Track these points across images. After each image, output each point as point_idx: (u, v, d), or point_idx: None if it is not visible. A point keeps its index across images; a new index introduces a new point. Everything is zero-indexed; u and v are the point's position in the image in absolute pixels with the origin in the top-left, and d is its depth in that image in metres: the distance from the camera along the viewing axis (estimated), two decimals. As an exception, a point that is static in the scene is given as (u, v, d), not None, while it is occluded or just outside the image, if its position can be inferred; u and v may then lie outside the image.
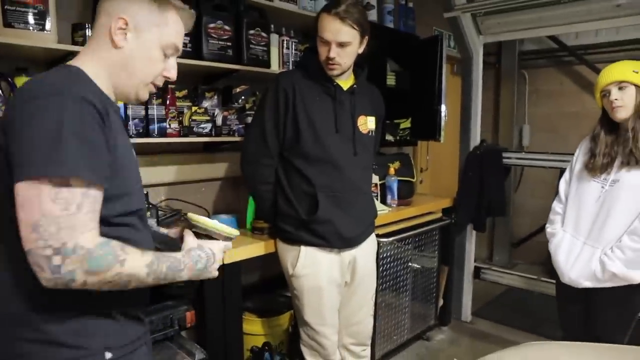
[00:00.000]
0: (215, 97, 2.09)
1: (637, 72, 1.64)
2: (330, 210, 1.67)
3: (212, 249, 1.00)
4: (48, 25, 1.52)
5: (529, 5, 2.63)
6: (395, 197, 2.57)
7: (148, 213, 1.69)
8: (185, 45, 1.87)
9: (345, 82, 1.73)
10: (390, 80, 2.91)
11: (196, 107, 1.96)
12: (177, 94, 1.92)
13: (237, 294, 1.82)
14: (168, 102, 1.86)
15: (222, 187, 2.33)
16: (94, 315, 0.87)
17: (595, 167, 1.72)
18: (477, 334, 3.01)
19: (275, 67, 2.25)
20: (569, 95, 3.98)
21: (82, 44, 1.58)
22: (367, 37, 1.65)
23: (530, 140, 4.21)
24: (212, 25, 1.95)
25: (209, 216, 2.10)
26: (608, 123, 1.73)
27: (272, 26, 2.23)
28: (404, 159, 2.80)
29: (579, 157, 1.83)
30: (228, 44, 2.01)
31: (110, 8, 0.91)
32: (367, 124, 1.78)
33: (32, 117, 0.78)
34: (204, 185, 2.25)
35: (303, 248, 1.71)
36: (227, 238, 1.06)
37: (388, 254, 2.43)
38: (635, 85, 1.64)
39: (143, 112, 1.79)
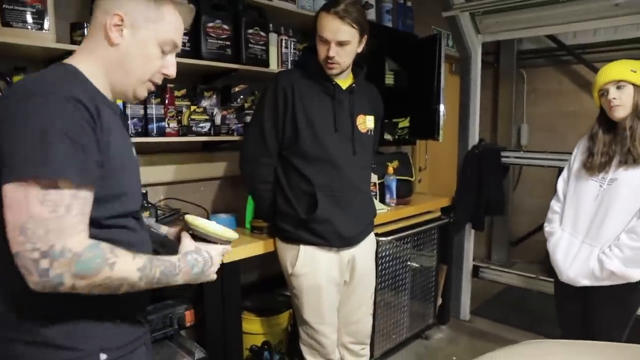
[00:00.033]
0: (214, 96, 2.09)
1: (635, 72, 1.65)
2: (329, 209, 1.67)
3: (209, 252, 0.98)
4: (46, 25, 1.52)
5: (527, 5, 2.63)
6: (394, 196, 2.58)
7: (147, 212, 1.69)
8: (184, 44, 1.87)
9: (344, 82, 1.73)
10: (389, 79, 2.91)
11: (195, 107, 1.96)
12: (176, 93, 1.92)
13: (236, 293, 1.83)
14: (167, 101, 1.86)
15: (221, 187, 2.33)
16: (88, 316, 0.86)
17: (593, 166, 1.73)
18: (475, 332, 3.02)
19: (274, 66, 2.25)
20: (567, 95, 3.98)
21: (81, 43, 1.58)
22: (366, 36, 1.65)
23: (528, 139, 4.21)
24: (210, 24, 1.95)
25: (207, 216, 2.10)
26: (606, 122, 1.74)
27: (271, 25, 2.24)
28: (402, 158, 2.80)
29: (577, 156, 1.83)
30: (227, 43, 2.01)
31: (105, 5, 0.89)
32: (366, 123, 1.78)
33: (19, 117, 0.76)
34: (202, 185, 2.25)
35: (302, 247, 1.72)
36: (226, 242, 1.03)
37: (387, 253, 2.43)
38: (633, 85, 1.64)
39: (142, 112, 1.79)
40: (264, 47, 2.16)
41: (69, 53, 0.93)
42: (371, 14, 2.79)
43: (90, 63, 0.89)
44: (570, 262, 1.75)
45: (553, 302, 1.96)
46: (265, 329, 2.18)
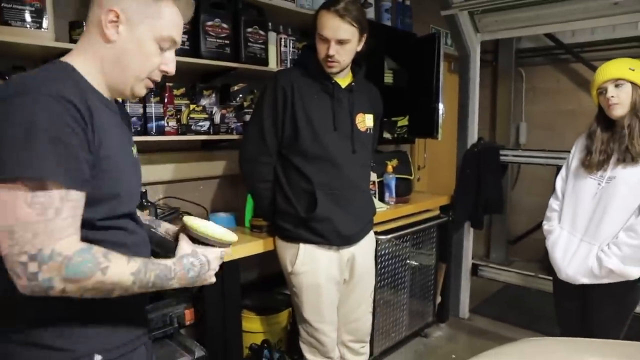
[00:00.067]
0: (213, 95, 2.09)
1: (633, 70, 1.65)
2: (329, 208, 1.67)
3: (206, 256, 0.95)
4: (45, 23, 1.52)
5: (526, 3, 2.64)
6: (393, 194, 2.58)
7: (147, 211, 1.69)
8: (183, 43, 1.87)
9: (344, 80, 1.73)
10: (388, 78, 2.91)
11: (194, 105, 1.96)
12: (175, 92, 1.92)
13: (236, 292, 1.83)
14: (166, 100, 1.86)
15: (220, 185, 2.33)
16: (82, 318, 0.85)
17: (591, 164, 1.73)
18: (474, 330, 3.03)
19: (273, 65, 2.25)
20: (566, 93, 3.99)
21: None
22: (365, 35, 1.65)
23: (527, 137, 4.22)
24: (209, 23, 1.95)
25: (207, 215, 2.10)
26: (604, 120, 1.74)
27: (270, 24, 2.23)
28: (401, 156, 2.81)
29: (576, 154, 1.84)
30: (226, 42, 2.01)
31: (102, 0, 0.87)
32: (365, 121, 1.78)
33: (5, 117, 0.74)
34: (202, 183, 2.25)
35: (302, 246, 1.72)
36: (225, 244, 1.00)
37: (386, 251, 2.44)
38: (632, 83, 1.65)
39: (141, 110, 1.79)
40: (263, 46, 2.16)
41: (68, 52, 0.92)
42: (370, 13, 2.79)
43: (87, 61, 0.88)
44: (569, 260, 1.75)
45: (552, 300, 1.97)
46: (265, 327, 2.18)
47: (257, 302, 2.28)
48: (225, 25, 2.00)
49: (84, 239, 0.80)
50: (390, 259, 2.48)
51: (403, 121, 3.01)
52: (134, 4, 0.87)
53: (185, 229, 0.98)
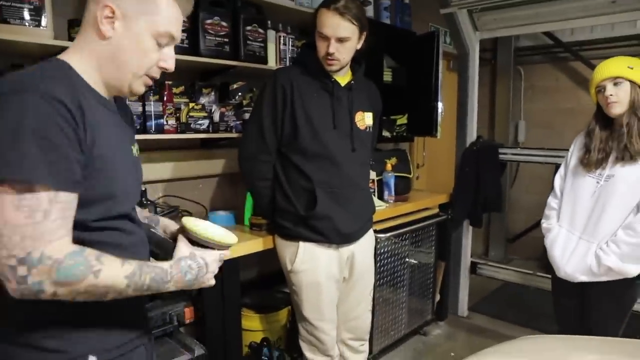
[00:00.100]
0: (213, 93, 2.09)
1: (632, 68, 1.65)
2: (328, 206, 1.68)
3: (204, 258, 0.92)
4: (44, 21, 1.51)
5: (525, 1, 2.64)
6: (393, 193, 2.58)
7: (146, 210, 1.69)
8: (182, 41, 1.87)
9: (343, 78, 1.73)
10: (387, 76, 2.91)
11: (193, 104, 1.96)
12: (174, 90, 1.92)
13: (236, 290, 1.83)
14: (165, 98, 1.86)
15: (219, 184, 2.33)
16: (77, 319, 0.83)
17: (590, 162, 1.74)
18: (473, 328, 3.03)
19: (272, 63, 2.25)
20: (565, 91, 4.00)
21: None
22: (365, 33, 1.65)
23: (525, 136, 4.23)
24: (209, 21, 1.95)
25: (206, 213, 2.10)
26: (603, 118, 1.74)
27: (269, 22, 2.23)
28: (400, 155, 2.81)
29: (574, 153, 1.84)
30: (225, 40, 2.01)
31: None
32: (365, 119, 1.78)
33: None
34: (201, 182, 2.25)
35: (301, 244, 1.72)
36: (224, 247, 0.97)
37: (385, 249, 2.44)
38: (630, 81, 1.65)
39: (140, 109, 1.79)
40: (262, 44, 2.16)
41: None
42: (369, 11, 2.78)
43: (83, 58, 0.85)
44: (567, 258, 1.75)
45: (550, 298, 1.98)
46: (264, 325, 2.18)
47: (257, 300, 2.28)
48: (224, 24, 2.00)
49: (78, 240, 0.79)
50: (389, 257, 2.49)
51: (402, 119, 3.01)
52: None
53: (184, 231, 0.96)
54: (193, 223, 0.95)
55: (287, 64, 2.28)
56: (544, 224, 1.90)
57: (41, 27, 1.51)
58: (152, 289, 0.84)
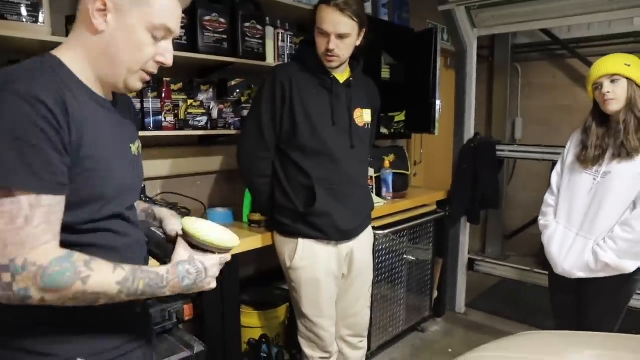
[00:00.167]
0: (211, 90, 2.08)
1: (629, 65, 1.66)
2: (327, 202, 1.68)
3: (203, 263, 0.88)
4: (41, 17, 1.50)
5: (522, -2, 2.65)
6: (391, 189, 2.59)
7: (142, 203, 1.67)
8: (180, 38, 1.87)
9: (342, 75, 1.73)
10: (385, 73, 2.91)
11: (192, 100, 1.95)
12: (173, 87, 1.91)
13: (235, 288, 1.83)
14: (163, 95, 1.85)
15: (217, 180, 2.32)
16: (65, 323, 0.81)
17: (587, 159, 1.75)
18: (471, 325, 3.05)
19: (270, 60, 2.24)
20: (562, 89, 4.01)
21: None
22: (364, 30, 1.65)
23: (522, 133, 4.24)
24: (207, 17, 1.94)
25: (204, 210, 2.10)
26: (599, 115, 1.75)
27: (268, 19, 2.22)
28: (398, 151, 2.81)
29: (571, 150, 1.85)
30: (223, 36, 2.00)
31: None
32: (363, 116, 1.79)
33: None
34: (199, 179, 2.25)
35: (300, 240, 1.72)
36: (224, 250, 0.93)
37: (383, 246, 2.45)
38: (627, 78, 1.66)
39: (139, 106, 1.78)
40: (260, 41, 2.15)
41: (64, 47, 0.87)
42: (367, 8, 2.78)
43: (76, 55, 0.82)
44: (565, 254, 1.77)
45: (547, 295, 1.99)
46: (263, 322, 2.19)
47: (255, 297, 2.28)
48: (222, 20, 1.99)
49: (68, 243, 0.76)
50: (387, 254, 2.49)
51: (400, 116, 3.02)
52: None
53: (183, 234, 0.92)
54: (193, 226, 0.91)
55: (286, 60, 2.28)
56: (541, 220, 1.91)
57: (38, 23, 1.50)
58: (146, 294, 0.82)
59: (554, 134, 3.78)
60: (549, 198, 1.90)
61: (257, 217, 1.96)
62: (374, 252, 2.21)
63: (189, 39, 1.92)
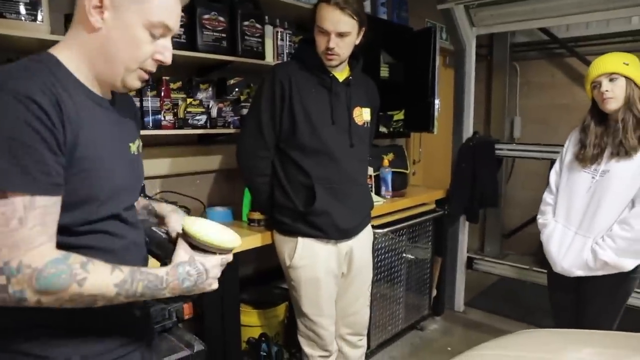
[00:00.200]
0: (210, 89, 2.08)
1: (627, 64, 1.66)
2: (327, 201, 1.68)
3: (204, 264, 0.87)
4: (40, 16, 1.50)
5: (521, -3, 2.65)
6: (390, 188, 2.59)
7: (143, 199, 1.66)
8: (179, 36, 1.86)
9: (341, 74, 1.73)
10: (384, 72, 2.91)
11: (191, 99, 1.95)
12: (172, 85, 1.91)
13: (234, 287, 1.83)
14: (163, 94, 1.85)
15: (216, 179, 2.32)
16: (62, 325, 0.81)
17: (585, 157, 1.75)
18: (470, 323, 3.06)
19: (269, 58, 2.24)
20: (560, 87, 4.01)
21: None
22: (364, 29, 1.65)
23: (521, 132, 4.25)
24: (206, 16, 1.94)
25: (203, 209, 2.10)
26: (598, 114, 1.76)
27: (267, 18, 2.22)
28: (397, 150, 2.82)
29: (569, 148, 1.85)
30: (222, 35, 2.00)
31: None
32: (363, 115, 1.79)
33: None
34: (199, 178, 2.25)
35: (300, 239, 1.72)
36: (226, 251, 0.91)
37: (382, 245, 2.45)
38: (626, 77, 1.66)
39: (138, 104, 1.78)
40: (259, 40, 2.15)
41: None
42: (366, 7, 2.77)
43: (73, 53, 0.81)
44: (564, 253, 1.77)
45: (546, 293, 1.99)
46: (263, 321, 2.19)
47: (254, 296, 2.28)
48: (221, 19, 1.99)
49: (65, 245, 0.76)
50: (386, 253, 2.50)
51: (399, 115, 3.02)
52: None
53: (184, 234, 0.90)
54: (193, 227, 0.89)
55: (285, 59, 2.28)
56: (540, 219, 1.91)
57: (37, 22, 1.49)
58: (146, 296, 0.81)
59: (552, 132, 3.79)
60: (547, 197, 1.91)
61: (256, 216, 1.96)
62: (374, 250, 2.22)
63: (188, 37, 1.91)
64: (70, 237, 0.78)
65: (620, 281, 1.70)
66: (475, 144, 3.00)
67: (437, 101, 2.86)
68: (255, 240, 1.86)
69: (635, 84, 1.66)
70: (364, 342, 2.00)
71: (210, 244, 0.88)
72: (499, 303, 3.33)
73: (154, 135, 1.85)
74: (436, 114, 2.87)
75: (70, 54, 0.81)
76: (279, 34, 2.29)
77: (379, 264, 2.44)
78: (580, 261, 1.72)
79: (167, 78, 1.88)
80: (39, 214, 0.72)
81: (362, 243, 1.86)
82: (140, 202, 1.08)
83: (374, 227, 2.23)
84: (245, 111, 2.07)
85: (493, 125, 4.33)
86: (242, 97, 2.16)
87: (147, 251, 0.99)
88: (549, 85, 4.09)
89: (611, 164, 1.69)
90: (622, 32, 3.51)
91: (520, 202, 4.22)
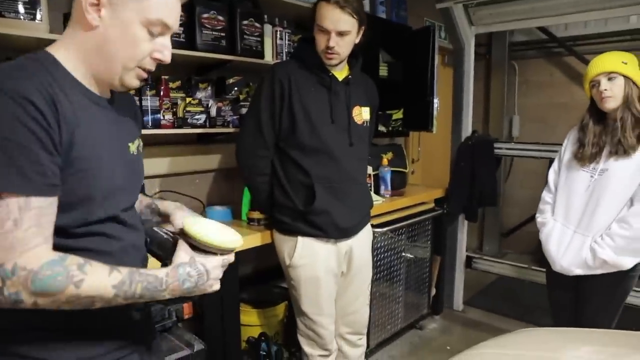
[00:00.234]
0: (209, 88, 2.08)
1: (626, 63, 1.67)
2: (327, 200, 1.68)
3: (205, 265, 0.85)
4: (39, 15, 1.49)
5: (520, -4, 2.66)
6: (389, 187, 2.59)
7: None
8: (178, 35, 1.86)
9: (340, 73, 1.73)
10: (383, 71, 2.91)
11: (190, 98, 1.95)
12: (171, 85, 1.90)
13: (234, 286, 1.83)
14: (162, 93, 1.85)
15: (216, 179, 2.32)
16: (60, 327, 0.80)
17: (584, 156, 1.75)
18: (468, 322, 3.06)
19: (268, 57, 2.24)
20: (558, 86, 4.02)
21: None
22: (364, 27, 1.65)
23: (520, 130, 4.25)
24: (205, 15, 1.93)
25: (203, 208, 2.10)
26: (596, 113, 1.76)
27: (266, 17, 2.22)
28: (396, 149, 2.82)
29: (568, 147, 1.86)
30: (222, 34, 2.00)
31: None
32: (362, 114, 1.79)
33: None
34: (198, 177, 2.24)
35: (300, 238, 1.72)
36: (227, 251, 0.90)
37: (382, 244, 2.45)
38: (624, 76, 1.66)
39: (137, 104, 1.77)
40: (258, 39, 2.15)
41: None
42: (365, 5, 2.77)
43: (70, 51, 0.80)
44: (563, 252, 1.77)
45: (545, 292, 2.00)
46: (262, 320, 2.19)
47: (254, 295, 2.28)
48: (221, 18, 1.99)
49: (61, 247, 0.75)
50: (385, 252, 2.50)
51: (398, 114, 3.02)
52: None
53: (184, 234, 0.89)
54: (193, 227, 0.88)
55: (284, 58, 2.27)
56: (539, 218, 1.91)
57: (36, 21, 1.49)
58: (145, 298, 0.79)
59: (550, 131, 3.79)
60: (546, 196, 1.91)
61: (256, 215, 1.95)
62: (373, 249, 2.22)
63: (187, 36, 1.91)
64: (67, 240, 0.77)
65: (619, 280, 1.71)
66: (474, 143, 3.00)
67: (436, 100, 2.86)
68: (254, 239, 1.86)
69: (633, 82, 1.67)
70: (363, 341, 2.00)
71: (210, 244, 0.87)
72: (497, 302, 3.34)
73: (153, 134, 1.84)
74: (435, 113, 2.87)
75: (68, 53, 0.80)
76: (278, 33, 2.29)
77: (378, 263, 2.44)
78: (579, 260, 1.72)
79: (166, 77, 1.88)
80: (34, 215, 0.71)
81: (362, 242, 1.86)
82: (144, 201, 1.08)
83: (373, 226, 2.23)
84: (244, 110, 2.07)
85: (492, 124, 4.33)
86: (242, 96, 2.16)
87: (148, 252, 0.98)
88: (548, 84, 4.09)
89: (610, 162, 1.69)
90: (620, 31, 3.51)
91: (519, 201, 4.23)
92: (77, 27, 0.80)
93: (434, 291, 3.03)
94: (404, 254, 2.64)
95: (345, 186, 1.73)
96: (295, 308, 1.85)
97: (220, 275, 0.89)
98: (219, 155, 2.26)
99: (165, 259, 0.94)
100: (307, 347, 1.85)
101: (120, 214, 0.87)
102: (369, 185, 2.48)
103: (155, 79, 1.85)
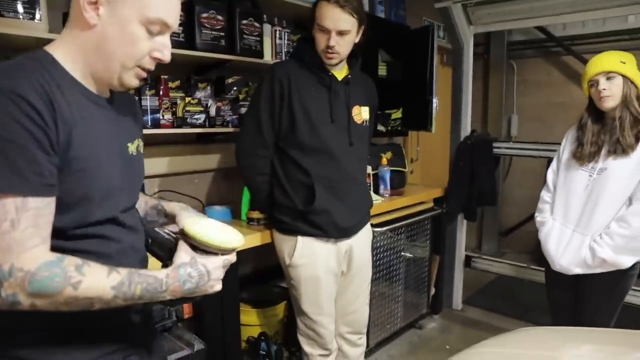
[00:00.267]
0: (208, 87, 2.07)
1: (624, 63, 1.67)
2: (327, 200, 1.68)
3: (206, 265, 0.85)
4: (38, 14, 1.49)
5: (519, -4, 2.66)
6: (388, 187, 2.59)
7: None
8: (177, 35, 1.86)
9: (340, 73, 1.73)
10: (382, 70, 2.91)
11: (189, 98, 1.95)
12: (170, 84, 1.90)
13: (234, 286, 1.83)
14: (161, 92, 1.85)
15: (215, 178, 2.32)
16: (58, 329, 0.79)
17: (582, 155, 1.76)
18: (468, 321, 3.06)
19: (268, 57, 2.24)
20: (557, 86, 4.03)
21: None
22: (363, 27, 1.65)
23: (518, 130, 4.26)
24: (204, 14, 1.93)
25: (202, 208, 2.10)
26: (595, 112, 1.76)
27: (265, 16, 2.22)
28: (395, 149, 2.82)
29: (566, 146, 1.86)
30: (221, 34, 2.00)
31: None
32: (362, 114, 1.79)
33: None
34: (197, 177, 2.24)
35: (300, 238, 1.72)
36: (228, 251, 0.89)
37: (381, 243, 2.46)
38: (623, 76, 1.67)
39: (138, 104, 1.77)
40: (258, 38, 2.15)
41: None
42: (364, 5, 2.78)
43: (68, 50, 0.80)
44: (562, 251, 1.78)
45: (543, 291, 2.00)
46: (262, 320, 2.19)
47: (253, 295, 2.28)
48: (220, 17, 1.98)
49: (59, 249, 0.74)
50: (385, 251, 2.50)
51: (397, 114, 3.02)
52: None
53: (185, 235, 0.88)
54: (193, 227, 0.87)
55: (283, 58, 2.27)
56: (538, 217, 1.92)
57: (35, 20, 1.49)
58: (145, 299, 0.78)
59: (548, 130, 3.80)
60: (545, 195, 1.92)
61: (255, 214, 1.95)
62: (372, 249, 2.22)
63: (186, 36, 1.91)
64: (65, 242, 0.77)
65: (617, 278, 1.71)
66: (473, 143, 3.00)
67: (435, 100, 2.86)
68: (254, 239, 1.86)
69: (632, 82, 1.67)
70: (363, 340, 2.01)
71: (210, 244, 0.86)
72: (497, 301, 3.34)
73: (153, 134, 1.84)
74: (434, 112, 2.88)
75: (66, 52, 0.80)
76: (278, 32, 2.29)
77: (378, 262, 2.44)
78: (578, 259, 1.72)
79: (166, 77, 1.88)
80: (31, 216, 0.70)
81: (362, 241, 1.86)
82: (150, 203, 1.07)
83: (372, 225, 2.23)
84: (243, 110, 2.07)
85: (490, 123, 4.34)
86: (241, 96, 2.16)
87: (149, 252, 0.97)
88: (546, 83, 4.10)
89: (608, 161, 1.70)
90: (618, 30, 3.52)
91: (518, 201, 4.23)
92: (75, 26, 0.80)
93: (433, 290, 3.03)
94: (403, 253, 2.64)
95: (345, 186, 1.73)
96: (295, 308, 1.85)
97: (222, 276, 0.89)
98: (219, 154, 2.26)
99: (166, 260, 0.93)
100: (307, 347, 1.85)
101: (119, 216, 0.86)
102: (368, 184, 2.48)
103: (154, 78, 1.85)
